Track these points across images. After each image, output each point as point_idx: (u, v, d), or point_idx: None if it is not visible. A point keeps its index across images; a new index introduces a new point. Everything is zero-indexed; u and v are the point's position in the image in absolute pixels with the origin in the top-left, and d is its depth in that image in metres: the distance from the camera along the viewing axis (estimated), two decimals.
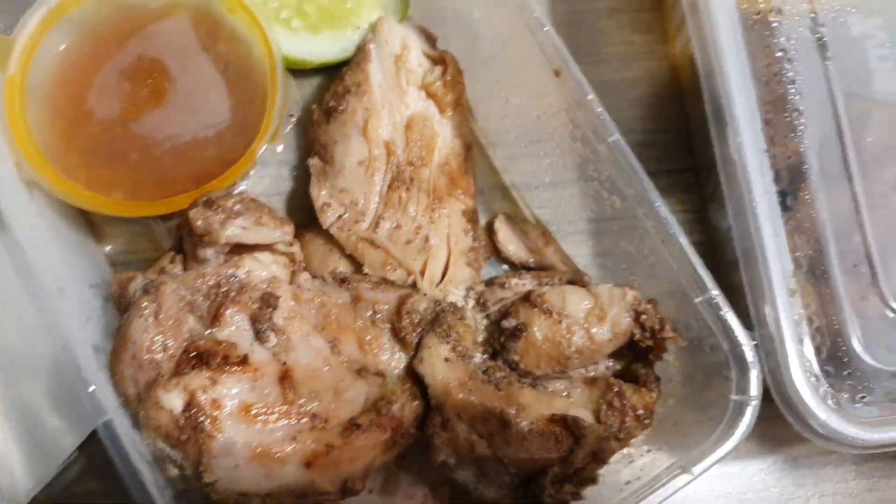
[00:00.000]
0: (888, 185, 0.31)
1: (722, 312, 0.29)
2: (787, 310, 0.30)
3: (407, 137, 0.36)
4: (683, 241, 0.30)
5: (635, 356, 0.33)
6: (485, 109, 0.39)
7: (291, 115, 0.39)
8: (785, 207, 0.30)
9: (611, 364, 0.33)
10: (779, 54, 0.31)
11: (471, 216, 0.37)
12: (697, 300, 0.30)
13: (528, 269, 0.37)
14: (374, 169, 0.35)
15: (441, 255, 0.35)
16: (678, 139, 0.39)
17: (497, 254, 0.38)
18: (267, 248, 0.32)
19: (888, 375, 0.31)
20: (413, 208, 0.35)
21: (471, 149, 0.38)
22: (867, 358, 0.30)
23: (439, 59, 0.37)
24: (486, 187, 0.39)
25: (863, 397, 0.30)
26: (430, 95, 0.37)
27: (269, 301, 0.31)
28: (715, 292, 0.30)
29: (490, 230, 0.38)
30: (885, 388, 0.31)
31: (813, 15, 0.31)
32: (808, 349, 0.30)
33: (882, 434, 0.29)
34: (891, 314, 0.31)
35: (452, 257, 0.35)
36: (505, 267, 0.38)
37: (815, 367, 0.30)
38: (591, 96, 0.32)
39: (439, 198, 0.36)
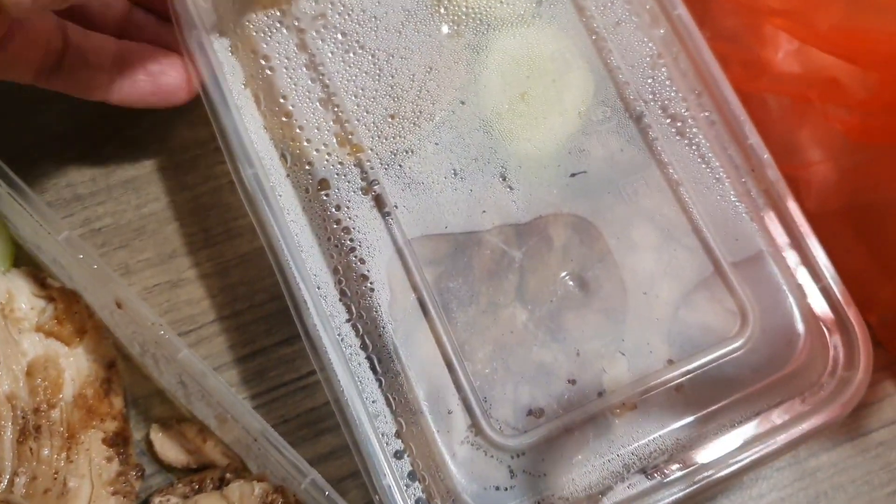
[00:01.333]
0: (476, 314, 0.33)
1: (327, 493, 0.31)
2: (395, 477, 0.31)
3: (29, 385, 0.36)
4: (273, 436, 0.32)
5: None
6: None
7: None
8: (374, 370, 0.32)
9: None
10: (335, 226, 0.33)
11: (114, 440, 0.36)
12: (302, 486, 0.32)
13: (191, 470, 0.38)
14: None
15: (83, 495, 0.35)
16: None
17: (160, 463, 0.38)
18: None
19: None
20: (47, 453, 0.35)
21: (114, 364, 0.38)
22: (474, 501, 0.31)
23: (48, 297, 0.37)
24: (141, 397, 0.39)
25: None
26: (49, 335, 0.37)
27: None
28: (311, 476, 0.31)
29: (148, 442, 0.38)
30: None
31: (364, 175, 0.34)
32: None
33: None
34: (491, 455, 0.32)
35: (96, 491, 0.35)
36: (171, 475, 0.38)
37: None
38: (163, 332, 0.34)
39: (74, 434, 0.35)
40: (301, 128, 0.34)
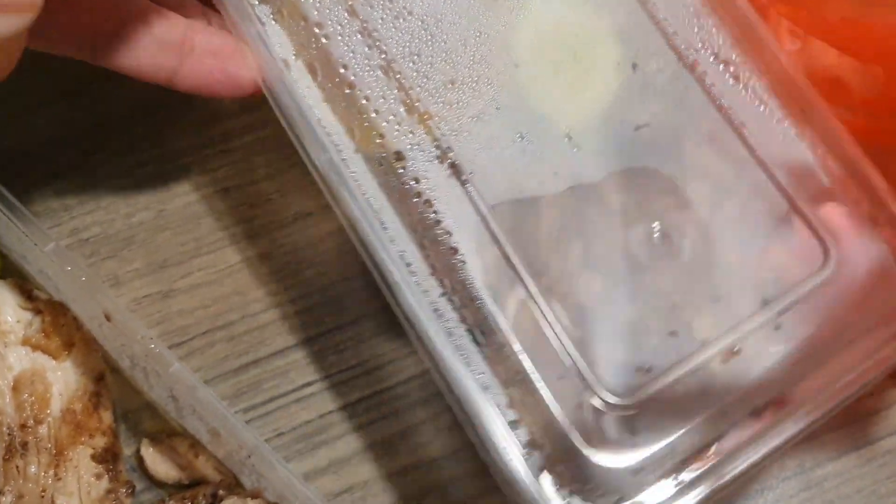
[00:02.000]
0: (565, 277, 0.32)
1: None
2: (514, 449, 0.30)
3: (16, 400, 0.35)
4: (267, 452, 0.32)
5: None
6: None
7: None
8: (477, 343, 0.31)
9: None
10: (415, 199, 0.31)
11: (104, 456, 0.35)
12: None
13: (183, 486, 0.37)
14: None
15: None
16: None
17: (151, 479, 0.37)
18: None
19: (622, 472, 0.30)
20: (34, 471, 0.34)
21: (103, 378, 0.37)
22: (600, 461, 0.30)
23: (35, 309, 0.36)
24: (131, 410, 0.38)
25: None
26: (36, 348, 0.36)
27: None
28: (307, 492, 0.31)
29: (139, 458, 0.37)
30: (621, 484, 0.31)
31: (437, 143, 0.32)
32: (547, 479, 0.30)
33: None
34: (608, 415, 0.31)
35: None
36: (162, 491, 0.37)
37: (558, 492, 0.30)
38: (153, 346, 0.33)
39: (62, 450, 0.35)
40: (367, 98, 0.32)
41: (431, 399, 0.38)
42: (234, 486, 0.35)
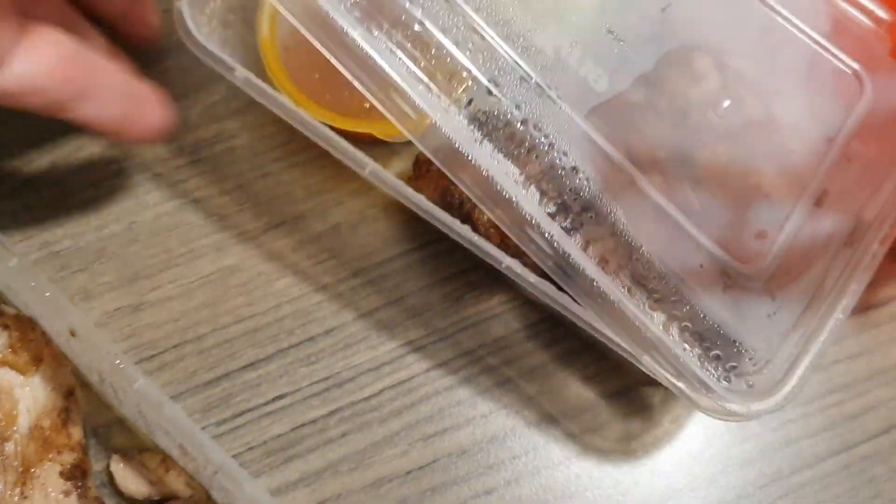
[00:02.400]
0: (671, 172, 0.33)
1: None
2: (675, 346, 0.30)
3: None
4: (234, 470, 0.32)
5: None
6: None
7: None
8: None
9: None
10: (521, 127, 0.31)
11: (73, 473, 0.35)
12: None
13: (153, 502, 0.36)
14: None
15: None
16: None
17: (121, 495, 0.37)
18: None
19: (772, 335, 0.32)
20: (0, 489, 0.33)
21: (73, 393, 0.36)
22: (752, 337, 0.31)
23: (2, 325, 0.35)
24: (101, 426, 0.37)
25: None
26: (3, 364, 0.35)
27: None
28: None
29: (109, 473, 0.37)
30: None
31: (516, 68, 0.32)
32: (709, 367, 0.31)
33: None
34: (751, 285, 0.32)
35: None
36: None
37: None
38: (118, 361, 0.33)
39: (30, 467, 0.34)
40: (444, 31, 0.31)
41: (405, 410, 0.38)
42: (205, 502, 0.35)
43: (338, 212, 0.40)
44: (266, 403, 0.38)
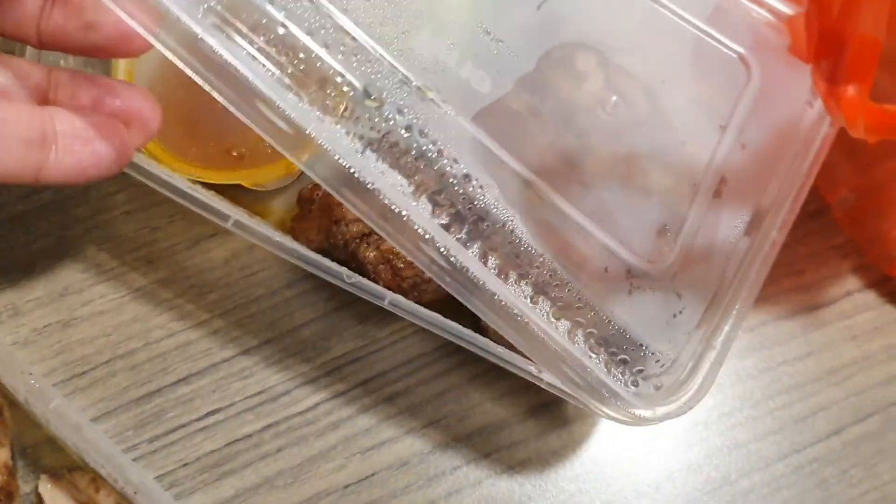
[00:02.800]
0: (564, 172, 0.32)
1: None
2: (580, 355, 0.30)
3: None
4: (154, 492, 0.32)
5: None
6: None
7: None
8: (518, 266, 0.30)
9: None
10: (406, 134, 0.29)
11: None
12: None
13: None
14: None
15: None
16: None
17: None
18: None
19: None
20: None
21: (0, 413, 0.35)
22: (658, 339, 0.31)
23: None
24: (30, 446, 0.36)
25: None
26: None
27: None
28: None
29: (38, 495, 0.35)
30: None
31: (395, 73, 0.30)
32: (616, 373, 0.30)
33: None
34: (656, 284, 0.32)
35: None
36: None
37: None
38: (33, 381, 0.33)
39: None
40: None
41: (341, 423, 0.37)
42: None
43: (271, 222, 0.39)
44: (199, 419, 0.37)
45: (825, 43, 0.27)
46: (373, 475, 0.37)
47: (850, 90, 0.26)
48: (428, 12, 0.32)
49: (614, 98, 0.33)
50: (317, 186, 0.37)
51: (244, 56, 0.26)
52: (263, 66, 0.27)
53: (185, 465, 0.36)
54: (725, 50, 0.35)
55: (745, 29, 0.36)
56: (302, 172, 0.39)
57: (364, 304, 0.38)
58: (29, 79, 0.30)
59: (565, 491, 0.37)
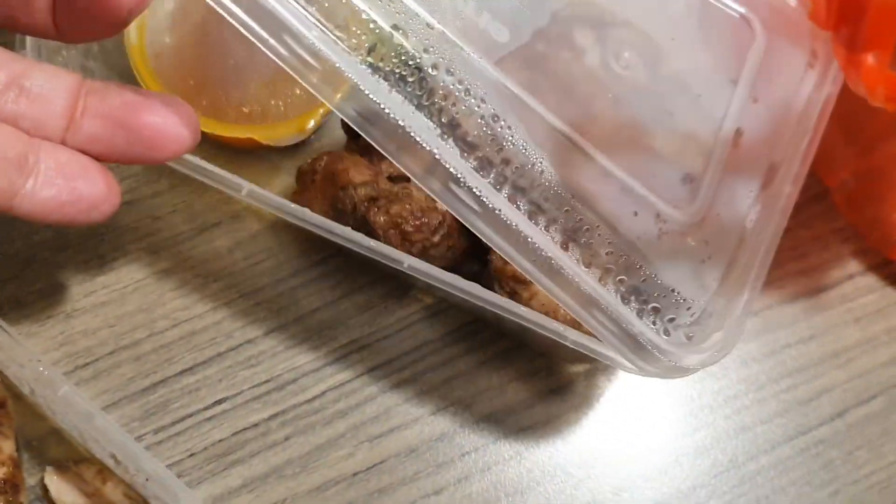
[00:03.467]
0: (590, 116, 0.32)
1: None
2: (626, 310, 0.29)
3: None
4: (167, 479, 0.31)
5: None
6: None
7: None
8: (542, 211, 0.30)
9: None
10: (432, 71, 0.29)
11: (3, 488, 0.33)
12: None
13: None
14: None
15: None
16: None
17: None
18: None
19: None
20: None
21: (3, 406, 0.35)
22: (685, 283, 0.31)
23: None
24: (35, 438, 0.36)
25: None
26: None
27: None
28: None
29: (43, 487, 0.35)
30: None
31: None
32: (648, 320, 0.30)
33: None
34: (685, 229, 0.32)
35: None
36: None
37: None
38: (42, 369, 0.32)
39: None
40: None
41: (349, 411, 0.37)
42: None
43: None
44: (206, 408, 0.36)
45: (845, 10, 0.27)
46: (381, 463, 0.36)
47: (870, 59, 0.26)
48: None
49: (627, 54, 0.33)
50: (317, 159, 0.36)
51: None
52: (291, 1, 0.26)
53: (192, 454, 0.36)
54: (730, 11, 0.36)
55: None
56: (312, 132, 0.39)
57: (371, 291, 0.38)
58: (63, 79, 0.29)
59: (574, 476, 0.37)
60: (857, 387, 0.39)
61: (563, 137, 0.30)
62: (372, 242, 0.32)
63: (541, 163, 0.29)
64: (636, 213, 0.30)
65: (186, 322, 0.37)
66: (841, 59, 0.28)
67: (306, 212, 0.33)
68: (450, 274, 0.32)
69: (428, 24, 0.29)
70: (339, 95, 0.27)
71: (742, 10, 0.36)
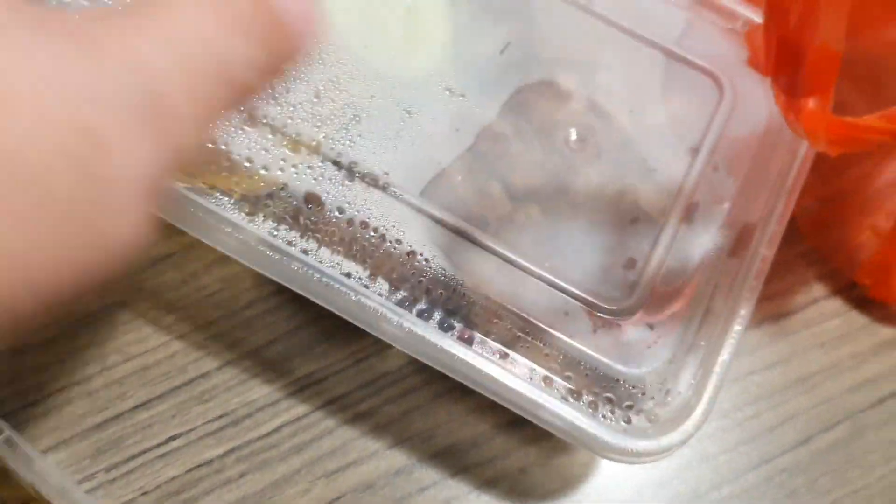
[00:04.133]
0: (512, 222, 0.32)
1: None
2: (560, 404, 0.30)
3: None
4: None
5: None
6: None
7: None
8: (471, 325, 0.32)
9: None
10: (348, 227, 0.34)
11: None
12: None
13: None
14: None
15: None
16: None
17: None
18: None
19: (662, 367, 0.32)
20: None
21: None
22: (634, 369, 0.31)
23: None
24: None
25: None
26: None
27: None
28: None
29: None
30: None
31: (334, 162, 0.32)
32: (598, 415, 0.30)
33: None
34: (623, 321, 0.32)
35: None
36: None
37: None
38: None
39: None
40: (250, 160, 0.31)
41: (305, 446, 0.36)
42: None
43: None
44: (159, 445, 0.36)
45: (783, 55, 0.27)
46: (337, 499, 0.36)
47: (811, 103, 0.26)
48: (379, 88, 0.33)
49: (574, 136, 0.34)
50: None
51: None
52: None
53: (145, 493, 0.35)
54: (696, 70, 0.36)
55: (718, 47, 0.36)
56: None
57: (326, 321, 0.38)
58: None
59: None
60: (821, 413, 0.39)
61: (479, 250, 0.31)
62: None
63: (461, 285, 0.30)
64: (566, 314, 0.31)
65: (139, 357, 0.37)
66: (781, 105, 0.28)
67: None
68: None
69: (347, 175, 0.31)
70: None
71: (712, 68, 0.36)
